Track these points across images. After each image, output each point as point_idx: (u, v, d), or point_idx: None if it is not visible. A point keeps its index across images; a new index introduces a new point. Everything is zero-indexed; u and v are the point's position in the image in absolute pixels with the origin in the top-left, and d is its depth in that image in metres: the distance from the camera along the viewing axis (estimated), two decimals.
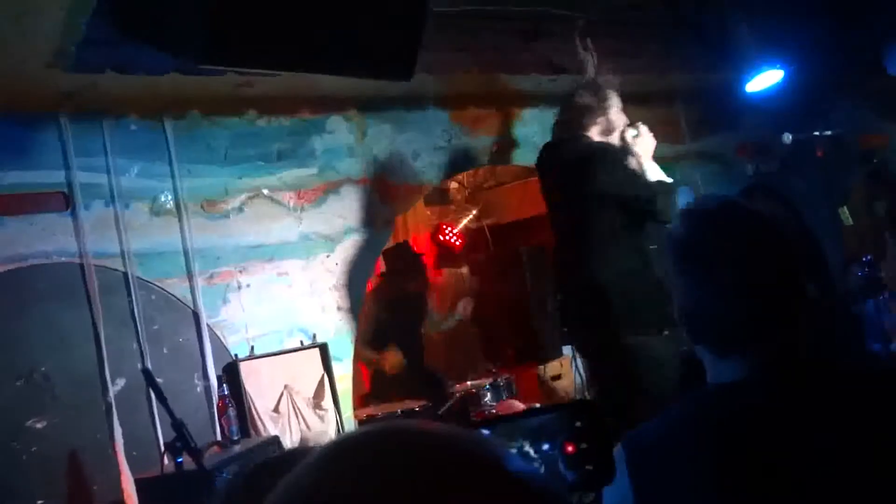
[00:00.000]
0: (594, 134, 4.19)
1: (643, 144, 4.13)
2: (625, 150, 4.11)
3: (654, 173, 4.10)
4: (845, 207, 5.45)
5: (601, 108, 4.20)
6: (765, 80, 5.35)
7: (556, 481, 1.26)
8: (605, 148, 4.11)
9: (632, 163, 4.05)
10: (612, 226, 3.94)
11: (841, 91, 6.50)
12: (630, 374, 3.75)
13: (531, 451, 1.28)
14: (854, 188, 7.05)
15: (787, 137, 5.02)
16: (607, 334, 3.82)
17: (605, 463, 1.27)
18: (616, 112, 4.24)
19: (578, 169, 4.03)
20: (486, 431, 1.27)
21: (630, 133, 4.16)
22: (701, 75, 5.71)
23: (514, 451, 1.29)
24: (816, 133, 5.18)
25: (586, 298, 3.93)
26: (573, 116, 4.25)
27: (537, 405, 4.85)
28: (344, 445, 0.66)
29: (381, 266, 5.71)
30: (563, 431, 1.28)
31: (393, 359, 5.34)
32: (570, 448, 1.27)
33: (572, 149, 4.17)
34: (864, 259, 6.07)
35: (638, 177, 3.99)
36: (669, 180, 4.14)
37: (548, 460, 1.27)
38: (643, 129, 4.17)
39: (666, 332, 3.77)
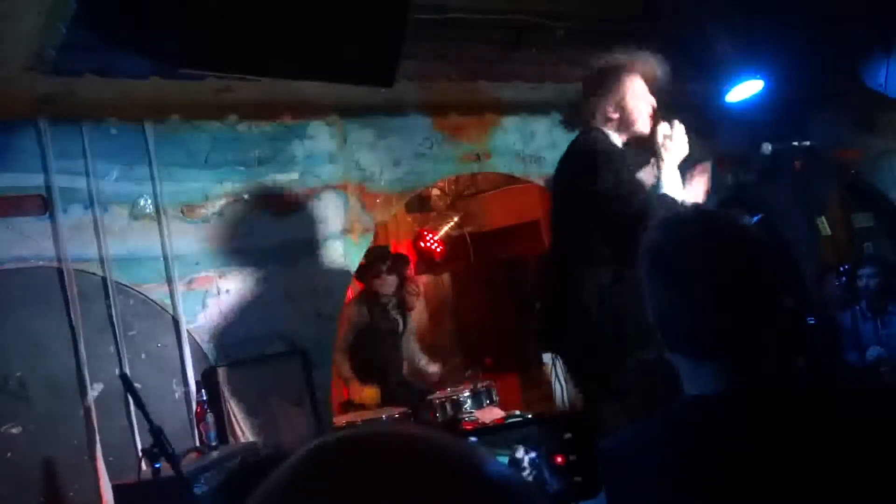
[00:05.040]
0: (607, 127, 3.46)
1: (672, 148, 3.35)
2: (621, 155, 3.39)
3: (672, 186, 3.33)
4: (824, 218, 5.49)
5: (609, 96, 3.45)
6: (744, 90, 5.38)
7: (536, 488, 1.26)
8: (591, 151, 3.37)
9: (626, 173, 3.33)
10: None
11: (819, 103, 6.57)
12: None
13: (523, 459, 1.28)
14: (831, 199, 7.12)
15: (767, 148, 5.05)
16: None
17: (594, 475, 1.28)
18: (633, 99, 3.46)
19: (564, 172, 3.54)
20: (473, 439, 1.28)
21: (661, 132, 3.37)
22: (680, 85, 5.75)
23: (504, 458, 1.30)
24: (795, 144, 5.21)
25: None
26: (581, 107, 3.56)
27: (517, 413, 4.85)
28: (320, 449, 0.67)
29: (359, 270, 5.68)
30: (551, 442, 1.28)
31: (369, 392, 5.32)
32: (559, 459, 1.27)
33: (569, 149, 3.57)
34: (841, 269, 6.12)
35: (629, 195, 3.24)
36: (676, 198, 3.31)
37: (534, 469, 1.27)
38: (677, 128, 3.38)
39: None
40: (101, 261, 4.06)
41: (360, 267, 5.33)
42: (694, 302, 1.51)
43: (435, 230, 7.56)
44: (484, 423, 4.42)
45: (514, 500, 0.65)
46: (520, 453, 1.29)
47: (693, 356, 1.53)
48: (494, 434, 1.37)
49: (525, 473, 1.31)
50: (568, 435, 1.29)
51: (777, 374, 1.50)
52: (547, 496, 1.31)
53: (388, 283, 5.60)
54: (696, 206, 3.15)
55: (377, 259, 5.58)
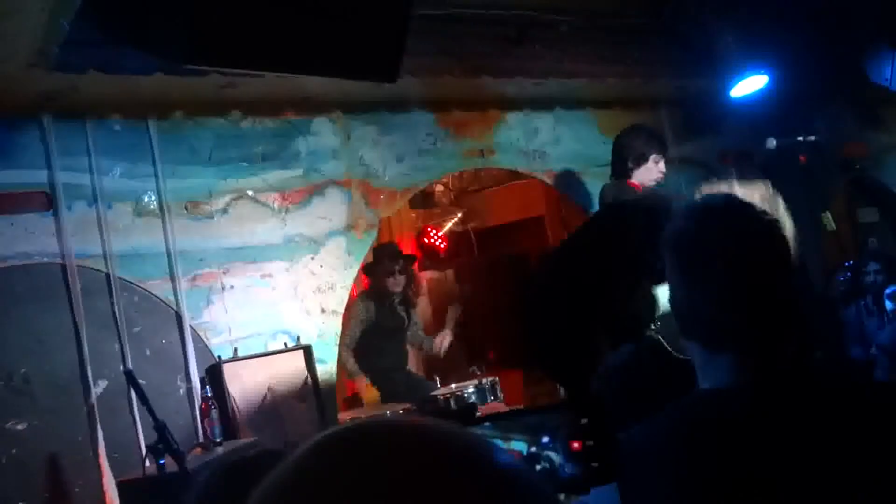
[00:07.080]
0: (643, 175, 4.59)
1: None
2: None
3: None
4: (829, 213, 5.47)
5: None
6: (749, 85, 5.37)
7: (542, 477, 1.25)
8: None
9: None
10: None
11: (824, 98, 6.55)
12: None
13: (533, 447, 1.27)
14: (836, 195, 7.10)
15: (772, 143, 5.03)
16: None
17: (611, 461, 1.26)
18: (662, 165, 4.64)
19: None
20: (488, 424, 1.27)
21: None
22: (685, 81, 5.74)
23: (521, 445, 1.29)
24: (800, 139, 5.19)
25: None
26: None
27: (521, 408, 4.84)
28: (325, 442, 0.66)
29: (367, 267, 5.68)
30: (567, 428, 1.27)
31: (373, 388, 5.34)
32: (576, 444, 1.25)
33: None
34: (845, 264, 6.10)
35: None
36: None
37: (548, 455, 1.26)
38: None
39: None
40: (105, 257, 4.06)
41: (370, 264, 5.34)
42: (712, 290, 1.50)
43: (439, 226, 7.56)
44: (498, 411, 4.41)
45: (523, 490, 0.64)
46: (543, 438, 1.28)
47: (708, 345, 1.52)
48: (510, 420, 1.35)
49: (545, 457, 1.29)
50: (584, 420, 1.28)
51: (791, 368, 1.49)
52: (561, 482, 1.30)
53: (400, 282, 5.62)
54: (723, 194, 3.15)
55: (388, 258, 5.59)
